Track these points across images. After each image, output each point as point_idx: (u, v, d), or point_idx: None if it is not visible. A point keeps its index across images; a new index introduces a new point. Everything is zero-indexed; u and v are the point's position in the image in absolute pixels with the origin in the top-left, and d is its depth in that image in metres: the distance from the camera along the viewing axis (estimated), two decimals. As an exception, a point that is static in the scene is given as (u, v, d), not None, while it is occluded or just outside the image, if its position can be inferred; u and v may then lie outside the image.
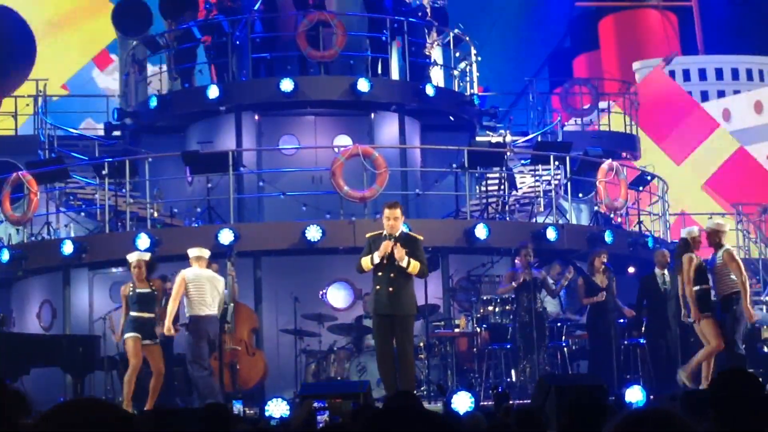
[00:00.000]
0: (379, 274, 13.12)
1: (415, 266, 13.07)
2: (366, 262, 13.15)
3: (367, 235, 13.55)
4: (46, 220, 19.79)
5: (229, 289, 16.11)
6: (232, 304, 16.44)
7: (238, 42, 21.26)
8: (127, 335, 14.87)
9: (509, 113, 26.51)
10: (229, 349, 16.57)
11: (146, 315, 14.95)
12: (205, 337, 14.88)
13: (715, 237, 14.58)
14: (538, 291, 16.50)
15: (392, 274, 13.09)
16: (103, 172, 19.00)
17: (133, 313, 14.82)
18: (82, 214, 21.00)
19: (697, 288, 14.42)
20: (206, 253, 15.14)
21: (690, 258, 14.55)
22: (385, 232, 13.20)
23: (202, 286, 15.00)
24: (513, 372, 16.62)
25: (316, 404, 9.42)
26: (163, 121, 21.82)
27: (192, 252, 15.10)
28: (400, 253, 12.94)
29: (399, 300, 13.11)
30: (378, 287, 13.14)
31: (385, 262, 13.06)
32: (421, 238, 13.51)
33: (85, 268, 19.07)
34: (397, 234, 13.18)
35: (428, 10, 22.66)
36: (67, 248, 18.42)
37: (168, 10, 23.20)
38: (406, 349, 13.30)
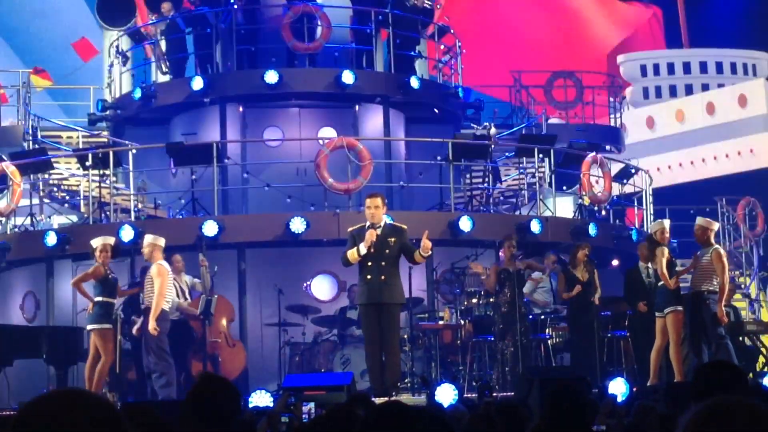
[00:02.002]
0: (369, 264, 13.25)
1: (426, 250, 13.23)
2: (353, 254, 13.25)
3: (350, 230, 13.65)
4: (30, 211, 19.73)
5: (203, 280, 16.11)
6: (215, 296, 16.46)
7: (224, 32, 21.21)
8: (108, 325, 14.88)
9: (494, 105, 26.48)
10: (210, 342, 16.58)
11: (113, 301, 15.05)
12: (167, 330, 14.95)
13: (703, 234, 14.66)
14: (521, 283, 16.50)
15: (383, 263, 13.29)
16: (87, 164, 18.96)
17: (103, 299, 14.81)
18: (66, 205, 20.94)
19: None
20: (163, 241, 15.19)
21: (663, 251, 14.67)
22: (367, 224, 13.31)
23: (170, 280, 15.10)
24: (496, 364, 16.62)
25: (290, 400, 9.42)
26: (147, 112, 21.77)
27: (160, 240, 15.03)
28: (428, 245, 13.12)
29: (390, 289, 13.32)
30: (369, 277, 13.25)
31: (372, 250, 13.16)
32: (405, 227, 13.61)
33: (69, 259, 19.01)
34: (381, 224, 13.30)
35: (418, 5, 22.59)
36: (51, 239, 18.36)
37: (152, 1, 23.13)
38: (392, 339, 13.49)
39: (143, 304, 15.15)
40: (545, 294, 18.19)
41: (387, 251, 13.28)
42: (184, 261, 16.63)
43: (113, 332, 15.14)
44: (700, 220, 15.00)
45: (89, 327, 15.02)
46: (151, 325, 14.59)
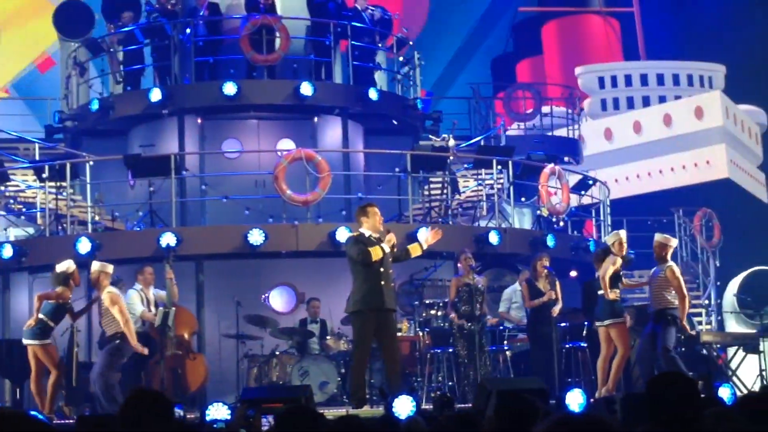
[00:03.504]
0: (382, 270, 13.27)
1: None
2: (377, 251, 13.20)
3: (353, 235, 13.66)
4: (-15, 223, 19.58)
5: (168, 292, 16.04)
6: (173, 309, 16.37)
7: (188, 44, 21.15)
8: (48, 341, 14.76)
9: (452, 117, 26.57)
10: (171, 354, 16.50)
11: (55, 325, 14.90)
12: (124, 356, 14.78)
13: (661, 251, 14.76)
14: (477, 296, 16.51)
15: (390, 270, 13.45)
16: (44, 175, 18.84)
17: (47, 320, 14.67)
18: (22, 217, 20.78)
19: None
20: (111, 268, 14.98)
21: (614, 260, 14.80)
22: (369, 234, 13.36)
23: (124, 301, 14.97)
24: (454, 376, 16.64)
25: (249, 412, 9.40)
26: (105, 124, 21.67)
27: (108, 268, 14.83)
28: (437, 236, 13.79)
29: (394, 294, 13.59)
30: (383, 283, 13.25)
31: (384, 257, 13.28)
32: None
33: (25, 272, 18.88)
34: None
35: (375, 17, 22.62)
36: (7, 252, 18.23)
37: (110, 13, 23.05)
38: (396, 344, 13.80)
39: (102, 336, 14.99)
40: (519, 310, 18.17)
41: (391, 259, 13.50)
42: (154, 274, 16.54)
43: (55, 347, 15.00)
44: (659, 237, 15.07)
45: (26, 342, 14.79)
46: (139, 347, 14.50)
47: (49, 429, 2.81)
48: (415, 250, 13.67)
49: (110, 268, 14.81)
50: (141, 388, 5.04)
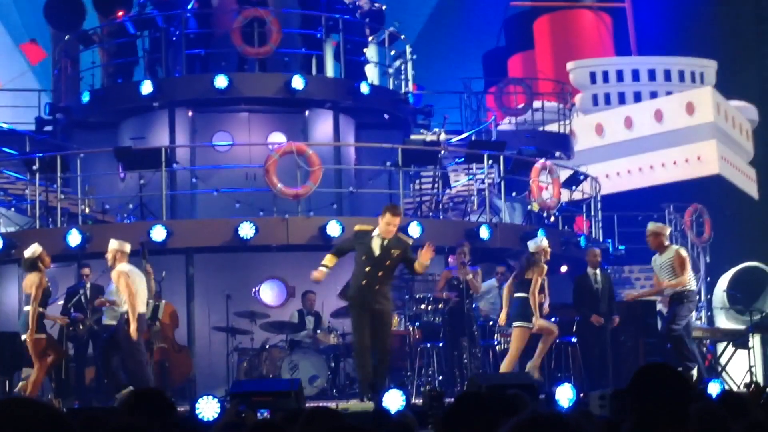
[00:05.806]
0: (367, 269, 13.50)
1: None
2: (325, 262, 13.82)
3: (356, 228, 13.89)
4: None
5: (149, 287, 16.04)
6: (163, 302, 16.39)
7: (174, 38, 21.11)
8: (42, 335, 14.66)
9: (444, 112, 26.56)
10: (157, 348, 16.50)
11: (44, 311, 14.82)
12: (143, 334, 14.77)
13: (656, 239, 14.83)
14: (467, 290, 16.52)
15: (380, 273, 13.58)
16: (34, 168, 18.79)
17: (41, 309, 14.60)
18: (12, 209, 20.73)
19: (523, 296, 14.89)
20: (128, 246, 14.98)
21: (542, 269, 14.96)
22: (377, 233, 13.56)
23: (141, 282, 14.88)
24: (444, 371, 16.64)
25: (241, 407, 9.38)
26: (96, 116, 21.62)
27: (125, 246, 14.85)
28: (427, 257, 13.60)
29: (380, 298, 13.61)
30: (364, 282, 13.54)
31: (374, 258, 13.46)
32: (410, 242, 14.15)
33: (15, 264, 18.83)
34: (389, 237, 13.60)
35: (364, 8, 22.61)
36: (-4, 244, 18.19)
37: (101, 5, 23.00)
38: (387, 343, 13.86)
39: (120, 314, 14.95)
40: (489, 305, 18.20)
41: (388, 262, 13.63)
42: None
43: (47, 341, 14.90)
44: (651, 226, 15.14)
45: (24, 336, 14.76)
46: (132, 327, 14.40)
47: (63, 418, 2.79)
48: (416, 267, 13.76)
49: (128, 247, 14.82)
50: (141, 390, 5.04)
